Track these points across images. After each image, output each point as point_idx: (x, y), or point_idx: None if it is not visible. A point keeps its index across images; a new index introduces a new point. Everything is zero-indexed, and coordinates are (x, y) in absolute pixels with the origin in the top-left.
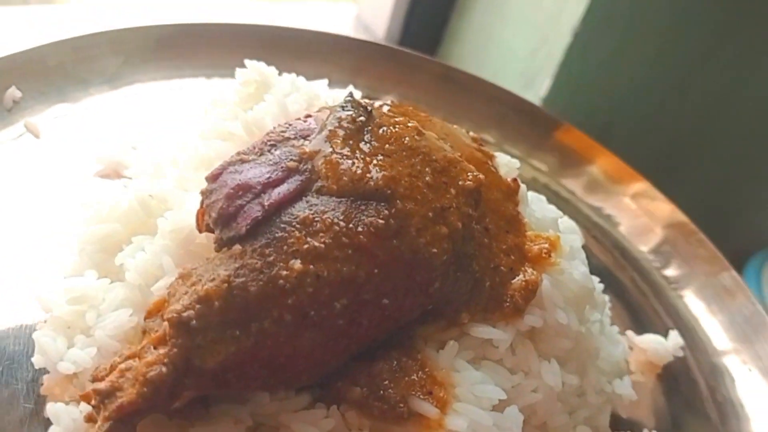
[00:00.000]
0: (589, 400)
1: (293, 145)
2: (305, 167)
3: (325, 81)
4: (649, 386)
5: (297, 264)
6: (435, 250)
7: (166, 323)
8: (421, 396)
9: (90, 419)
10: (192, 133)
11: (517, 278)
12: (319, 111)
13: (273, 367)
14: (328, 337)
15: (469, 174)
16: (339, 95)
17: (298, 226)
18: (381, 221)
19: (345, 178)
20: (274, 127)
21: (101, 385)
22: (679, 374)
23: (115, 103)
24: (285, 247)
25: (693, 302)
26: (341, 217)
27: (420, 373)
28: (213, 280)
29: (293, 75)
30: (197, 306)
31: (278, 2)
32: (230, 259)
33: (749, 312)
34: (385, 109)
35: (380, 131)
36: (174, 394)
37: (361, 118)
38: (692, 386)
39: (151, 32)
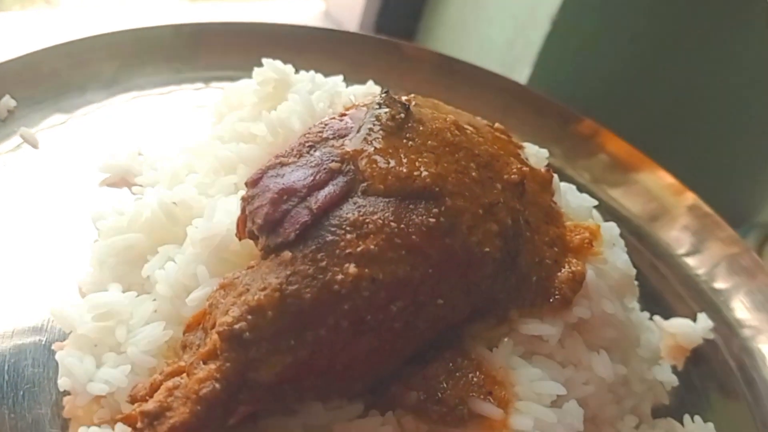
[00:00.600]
0: (634, 389)
1: (333, 146)
2: (348, 168)
3: (341, 77)
4: (680, 370)
5: (352, 268)
6: (487, 249)
7: (215, 336)
8: (482, 397)
9: None
10: (205, 137)
11: (564, 270)
12: (352, 108)
13: (330, 375)
14: (385, 342)
15: (513, 167)
16: (358, 91)
17: (348, 228)
18: (432, 220)
19: (391, 178)
20: (310, 128)
21: (149, 406)
22: (709, 357)
23: (114, 109)
24: (337, 251)
25: (716, 284)
26: (392, 218)
27: (477, 373)
28: (264, 289)
29: (312, 72)
30: (249, 317)
31: (242, 1)
32: (280, 267)
33: None
34: (414, 107)
35: (420, 128)
36: (228, 410)
37: (401, 115)
38: (724, 368)
39: (146, 34)
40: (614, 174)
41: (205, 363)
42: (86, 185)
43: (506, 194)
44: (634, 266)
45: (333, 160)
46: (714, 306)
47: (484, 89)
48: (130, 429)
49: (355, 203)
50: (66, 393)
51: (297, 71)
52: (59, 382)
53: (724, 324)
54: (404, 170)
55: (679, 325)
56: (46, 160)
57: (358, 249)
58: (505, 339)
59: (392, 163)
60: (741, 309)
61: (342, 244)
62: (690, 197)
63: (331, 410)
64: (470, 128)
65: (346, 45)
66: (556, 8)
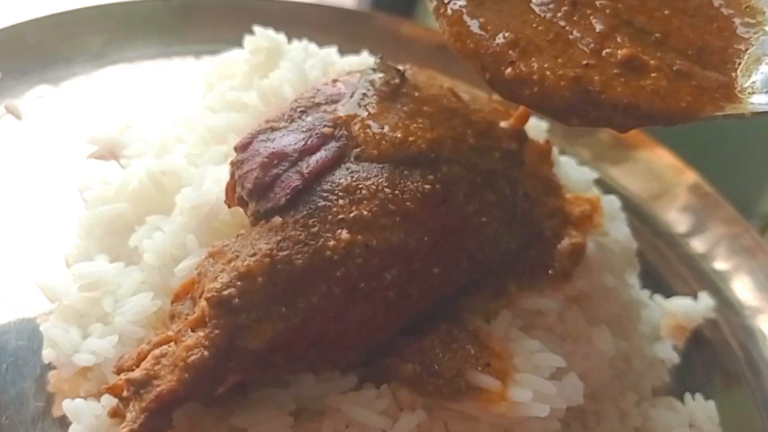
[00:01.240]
0: (634, 365)
1: (325, 111)
2: (341, 133)
3: (335, 48)
4: (680, 349)
5: (344, 234)
6: (484, 219)
7: (204, 303)
8: (479, 368)
9: (115, 414)
10: (194, 108)
11: (564, 242)
12: (348, 75)
13: (322, 344)
14: (378, 310)
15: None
16: (352, 62)
17: (341, 194)
18: (427, 186)
19: (385, 143)
20: (302, 93)
21: (135, 374)
22: (710, 336)
23: (101, 82)
24: (330, 217)
25: (717, 264)
26: (386, 184)
27: (475, 344)
28: (254, 255)
29: (305, 41)
30: (238, 283)
31: None
32: (270, 232)
33: None
34: (409, 73)
35: (415, 94)
36: (217, 379)
37: (395, 81)
38: (724, 348)
39: (134, 7)
40: (615, 152)
41: (193, 330)
42: (73, 157)
43: (505, 163)
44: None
45: (325, 125)
46: (715, 286)
47: None
48: (116, 400)
49: (347, 168)
50: (51, 366)
51: (290, 41)
52: (43, 353)
53: (725, 304)
54: (399, 135)
55: (679, 304)
56: (31, 132)
57: (351, 215)
58: (503, 311)
59: (386, 128)
60: (742, 289)
61: (334, 209)
62: (691, 176)
63: (323, 382)
64: (467, 96)
65: (341, 22)
66: None
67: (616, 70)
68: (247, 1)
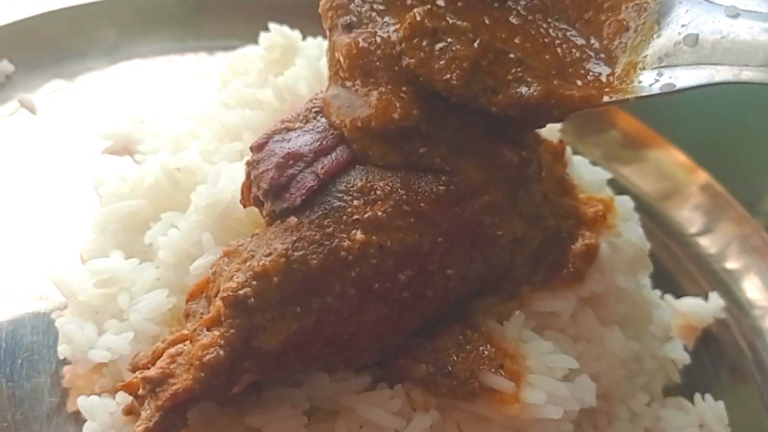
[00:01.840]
0: (645, 366)
1: None
2: None
3: None
4: (690, 350)
5: (359, 234)
6: (500, 233)
7: (219, 303)
8: (493, 370)
9: (129, 412)
10: (208, 104)
11: (577, 243)
12: None
13: (336, 344)
14: (393, 311)
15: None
16: None
17: (355, 194)
18: (441, 187)
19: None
20: (316, 93)
21: (151, 373)
22: (720, 337)
23: (115, 77)
24: (344, 218)
25: (727, 264)
26: (400, 185)
27: (488, 346)
28: (269, 255)
29: (319, 38)
30: (254, 283)
31: None
32: (286, 232)
33: None
34: None
35: None
36: (232, 378)
37: None
38: (734, 348)
39: (148, 2)
40: (625, 151)
41: (208, 330)
42: (87, 152)
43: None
44: None
45: None
46: (725, 286)
47: None
48: (131, 397)
49: (362, 169)
50: (66, 362)
51: (304, 37)
52: (59, 349)
53: (735, 304)
54: None
55: (690, 304)
56: (45, 126)
57: (366, 215)
58: (516, 312)
59: None
60: (752, 289)
61: (349, 210)
62: (702, 176)
63: (336, 382)
64: None
65: None
66: None
67: None
68: None
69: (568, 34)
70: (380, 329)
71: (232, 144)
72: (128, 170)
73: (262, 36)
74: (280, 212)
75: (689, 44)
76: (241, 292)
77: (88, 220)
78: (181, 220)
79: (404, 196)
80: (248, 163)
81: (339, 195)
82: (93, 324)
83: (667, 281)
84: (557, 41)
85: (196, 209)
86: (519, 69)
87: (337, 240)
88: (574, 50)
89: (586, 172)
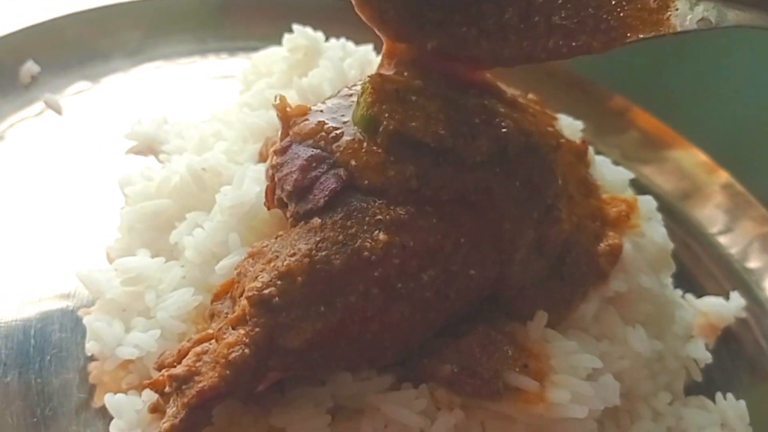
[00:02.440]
0: (668, 365)
1: None
2: None
3: (371, 46)
4: (711, 349)
5: (381, 235)
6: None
7: (244, 302)
8: (517, 369)
9: (155, 409)
10: (232, 105)
11: (601, 244)
12: None
13: (360, 344)
14: (416, 311)
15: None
16: None
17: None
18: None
19: None
20: (333, 95)
21: (177, 371)
22: (740, 336)
23: (139, 78)
24: (367, 218)
25: (748, 264)
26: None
27: (512, 346)
28: (293, 255)
29: (342, 40)
30: (279, 282)
31: None
32: (309, 233)
33: None
34: None
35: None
36: (257, 376)
37: None
38: (755, 347)
39: (171, 4)
40: (645, 151)
41: (234, 328)
42: (112, 152)
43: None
44: None
45: None
46: (746, 285)
47: None
48: (157, 395)
49: None
50: (93, 359)
51: (327, 39)
52: (86, 346)
53: (756, 303)
54: None
55: (711, 303)
56: (71, 127)
57: (388, 216)
58: (540, 311)
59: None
60: None
61: (371, 210)
62: (723, 175)
63: (359, 381)
64: None
65: None
66: None
67: None
68: None
69: None
70: (403, 329)
71: (255, 145)
72: (154, 170)
73: (286, 37)
74: (303, 213)
75: None
76: (266, 291)
77: (114, 219)
78: (206, 221)
79: (427, 197)
80: (272, 166)
81: (361, 196)
82: (120, 321)
83: (688, 281)
84: None
85: (221, 210)
86: None
87: (360, 240)
88: None
89: (609, 172)
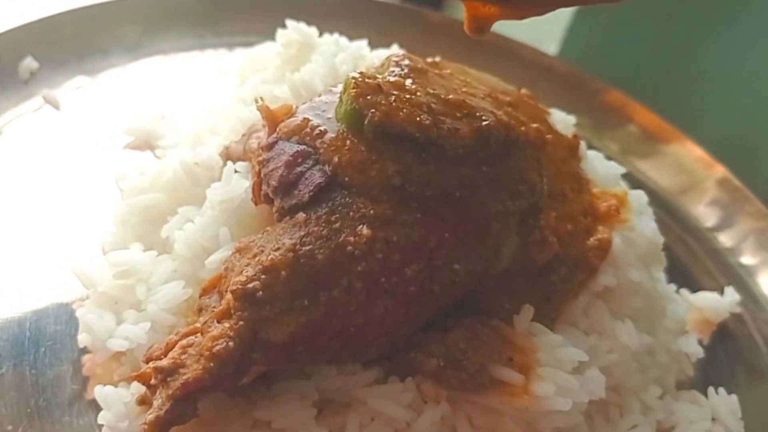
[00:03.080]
0: (659, 359)
1: None
2: None
3: (365, 41)
4: (705, 345)
5: (365, 230)
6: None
7: (229, 296)
8: (503, 363)
9: (142, 402)
10: (227, 100)
11: (590, 238)
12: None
13: (344, 337)
14: (400, 305)
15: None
16: (382, 55)
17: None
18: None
19: None
20: (323, 90)
21: (163, 363)
22: (735, 332)
23: (137, 73)
24: (351, 213)
25: (744, 259)
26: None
27: (498, 339)
28: (278, 249)
29: (336, 35)
30: (263, 276)
31: None
32: (294, 228)
33: None
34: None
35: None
36: (241, 369)
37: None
38: (750, 343)
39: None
40: (643, 145)
41: (219, 322)
42: (109, 147)
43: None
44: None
45: None
46: (741, 280)
47: (511, 60)
48: (145, 388)
49: None
50: (86, 351)
51: (321, 34)
52: (79, 338)
53: (751, 299)
54: None
55: (706, 298)
56: (69, 122)
57: (372, 211)
58: (527, 305)
59: None
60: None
61: (356, 206)
62: (720, 170)
63: (345, 375)
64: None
65: (371, 13)
66: None
67: None
68: None
69: None
70: (387, 323)
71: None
72: (148, 164)
73: (280, 33)
74: (288, 208)
75: None
76: (250, 285)
77: (109, 213)
78: (197, 215)
79: (411, 192)
80: (258, 162)
81: (346, 191)
82: (112, 314)
83: (683, 275)
84: None
85: (212, 205)
86: None
87: (344, 235)
88: None
89: (601, 167)
